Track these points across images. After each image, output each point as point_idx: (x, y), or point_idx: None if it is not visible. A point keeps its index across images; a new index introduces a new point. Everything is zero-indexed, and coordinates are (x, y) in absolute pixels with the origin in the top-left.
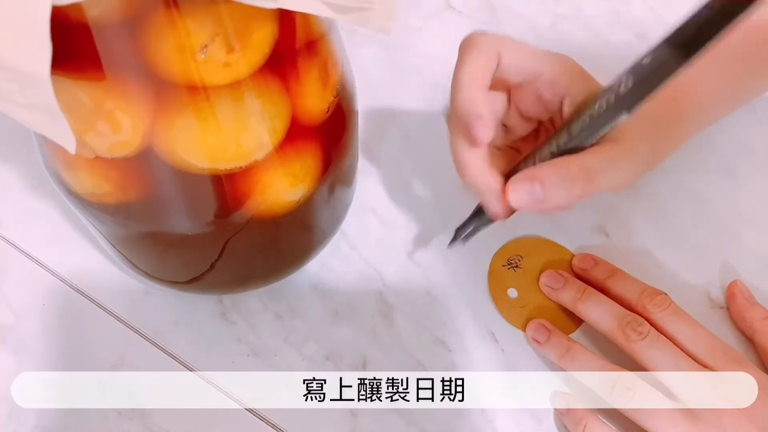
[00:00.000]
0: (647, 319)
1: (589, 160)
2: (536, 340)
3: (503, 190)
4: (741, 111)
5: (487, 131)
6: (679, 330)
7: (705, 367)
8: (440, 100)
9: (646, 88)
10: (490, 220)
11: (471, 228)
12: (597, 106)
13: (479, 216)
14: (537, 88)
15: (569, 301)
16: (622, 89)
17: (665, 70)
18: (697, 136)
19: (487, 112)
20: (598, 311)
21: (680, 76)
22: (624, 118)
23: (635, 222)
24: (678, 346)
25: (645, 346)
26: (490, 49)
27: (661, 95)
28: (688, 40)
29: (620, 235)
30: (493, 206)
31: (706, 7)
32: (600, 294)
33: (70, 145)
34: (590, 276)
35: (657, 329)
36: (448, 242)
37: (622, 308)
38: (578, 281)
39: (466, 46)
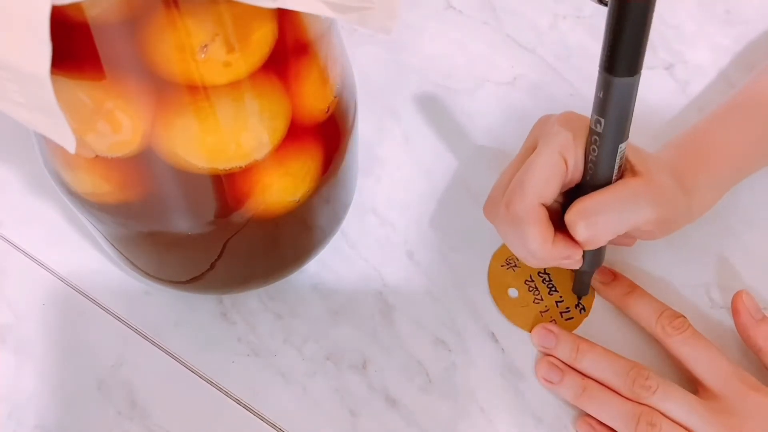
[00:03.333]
0: (664, 343)
1: (603, 193)
2: (549, 381)
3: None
4: None
5: (579, 259)
6: (697, 355)
7: (718, 396)
8: (440, 99)
9: (614, 115)
10: (586, 271)
11: (581, 282)
12: (591, 149)
13: (577, 274)
14: None
15: (566, 359)
16: (598, 127)
17: (614, 92)
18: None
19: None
20: (598, 368)
21: (707, 125)
22: (622, 146)
23: None
24: (694, 372)
25: None
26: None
27: (683, 142)
28: (611, 61)
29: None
30: (577, 263)
31: (609, 30)
32: (597, 349)
33: (70, 145)
34: (609, 291)
35: (674, 353)
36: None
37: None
38: (571, 336)
39: (544, 138)
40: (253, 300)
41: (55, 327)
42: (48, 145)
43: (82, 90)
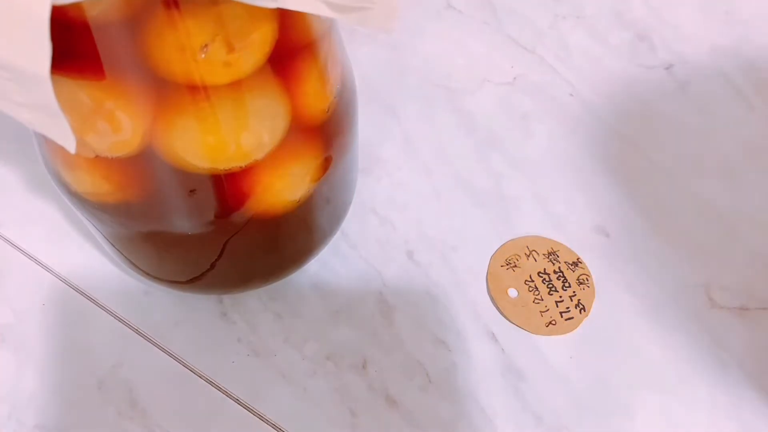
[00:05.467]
0: None
1: None
2: None
3: None
4: (738, 108)
5: None
6: None
7: None
8: (440, 99)
9: None
10: None
11: None
12: None
13: None
14: None
15: None
16: None
17: None
18: (695, 136)
19: None
20: None
21: None
22: None
23: (636, 222)
24: None
25: None
26: None
27: None
28: None
29: (621, 235)
30: None
31: None
32: None
33: (71, 145)
34: None
35: None
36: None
37: None
38: None
39: None
40: (253, 300)
41: (56, 327)
42: (48, 145)
43: (82, 90)
